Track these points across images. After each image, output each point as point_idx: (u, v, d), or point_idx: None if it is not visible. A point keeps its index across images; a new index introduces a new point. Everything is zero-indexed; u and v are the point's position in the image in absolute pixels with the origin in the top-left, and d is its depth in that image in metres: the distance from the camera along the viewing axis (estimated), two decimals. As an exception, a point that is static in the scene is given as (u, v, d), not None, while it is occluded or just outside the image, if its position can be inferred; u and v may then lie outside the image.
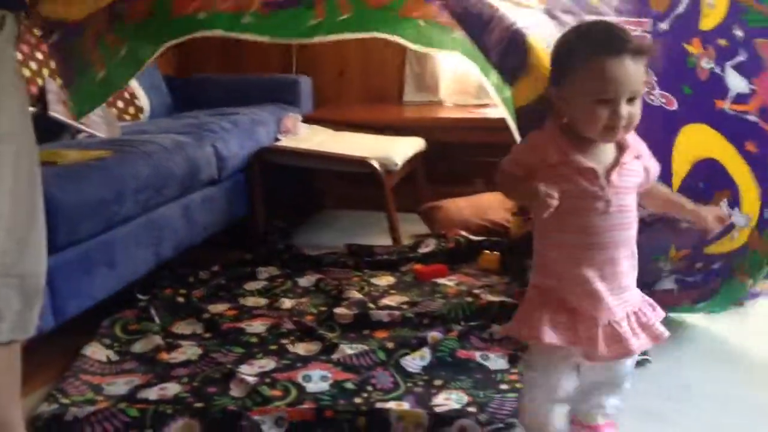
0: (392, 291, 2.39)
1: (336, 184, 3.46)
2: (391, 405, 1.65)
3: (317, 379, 1.79)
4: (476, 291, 2.31)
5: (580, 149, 1.26)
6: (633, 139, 1.29)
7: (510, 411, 1.62)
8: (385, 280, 2.50)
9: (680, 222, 1.77)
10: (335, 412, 1.60)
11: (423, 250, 2.74)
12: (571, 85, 1.23)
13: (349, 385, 1.76)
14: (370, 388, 1.75)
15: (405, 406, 1.65)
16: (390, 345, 1.94)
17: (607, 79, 1.19)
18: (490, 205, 2.87)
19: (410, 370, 1.83)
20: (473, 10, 1.96)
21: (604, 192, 1.24)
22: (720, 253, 1.89)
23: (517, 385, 1.73)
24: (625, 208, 1.27)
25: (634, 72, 1.20)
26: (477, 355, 1.88)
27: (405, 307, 2.22)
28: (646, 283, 1.94)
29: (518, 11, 1.93)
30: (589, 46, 1.21)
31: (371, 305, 2.23)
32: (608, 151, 1.27)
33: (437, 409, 1.63)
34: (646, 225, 2.01)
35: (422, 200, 3.12)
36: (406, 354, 1.88)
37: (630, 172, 1.28)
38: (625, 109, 1.20)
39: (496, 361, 1.86)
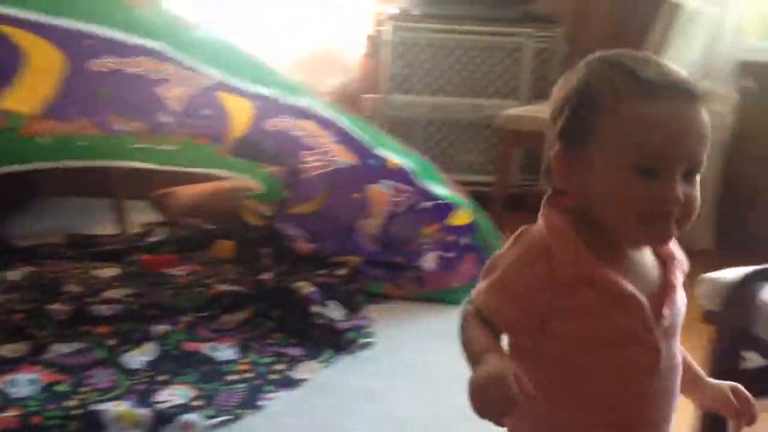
0: (116, 283, 2.23)
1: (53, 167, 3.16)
2: (108, 405, 1.53)
3: (24, 384, 1.62)
4: (207, 281, 2.24)
5: (606, 258, 0.80)
6: (675, 245, 0.85)
7: (237, 402, 1.59)
8: (109, 271, 2.33)
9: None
10: (43, 417, 1.46)
11: (152, 239, 2.60)
12: (593, 146, 0.78)
13: (62, 388, 1.61)
14: (86, 389, 1.62)
15: (124, 405, 1.55)
16: (111, 341, 1.81)
17: (655, 134, 0.76)
18: (224, 192, 2.81)
19: (133, 366, 1.73)
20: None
21: (652, 335, 0.80)
22: (460, 225, 2.19)
23: (246, 375, 1.71)
24: (677, 361, 0.84)
25: (698, 127, 0.78)
26: (205, 347, 1.82)
27: (130, 299, 2.09)
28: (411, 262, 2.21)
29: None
30: (626, 83, 0.78)
31: (91, 299, 2.07)
32: (647, 263, 0.83)
33: (159, 406, 1.54)
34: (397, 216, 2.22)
35: (154, 186, 2.96)
36: (129, 349, 1.77)
37: (681, 299, 0.85)
38: (680, 187, 0.76)
39: (225, 352, 1.81)
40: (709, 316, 1.30)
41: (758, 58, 2.75)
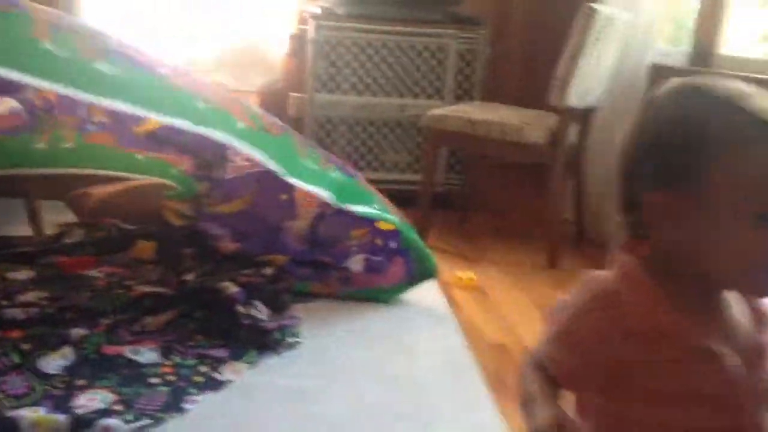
0: (31, 286, 2.15)
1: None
2: (24, 412, 1.47)
3: (-71, 394, 1.54)
4: (128, 282, 2.18)
5: (691, 311, 0.73)
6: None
7: (159, 405, 1.56)
8: (23, 274, 2.24)
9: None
10: (-49, 428, 1.40)
11: (69, 240, 2.51)
12: (699, 189, 0.71)
13: (-27, 396, 1.54)
14: (-1, 395, 1.56)
15: (41, 411, 1.49)
16: (26, 346, 1.74)
17: None
18: (145, 192, 2.74)
19: (49, 371, 1.66)
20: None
21: (740, 398, 0.73)
22: (388, 230, 2.20)
23: (169, 378, 1.68)
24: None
25: None
26: (126, 350, 1.78)
27: (46, 302, 2.02)
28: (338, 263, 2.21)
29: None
30: (741, 124, 0.70)
31: (4, 302, 1.98)
32: (741, 318, 0.76)
33: (78, 411, 1.50)
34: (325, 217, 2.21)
35: (70, 187, 2.87)
36: (45, 354, 1.71)
37: None
38: None
39: (147, 355, 1.77)
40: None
41: (669, 63, 2.86)
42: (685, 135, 0.71)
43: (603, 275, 0.76)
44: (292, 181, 2.09)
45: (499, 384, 1.83)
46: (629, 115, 2.77)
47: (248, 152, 2.06)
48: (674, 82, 0.77)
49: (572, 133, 2.77)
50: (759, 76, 2.39)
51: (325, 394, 1.70)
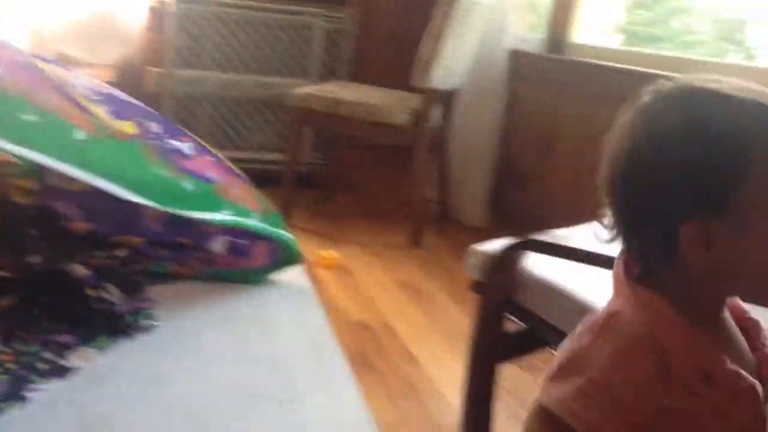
0: None
1: None
2: None
3: None
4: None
5: (712, 341, 0.69)
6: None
7: (-2, 395, 1.46)
8: None
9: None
10: None
11: None
12: (747, 207, 0.63)
13: None
14: None
15: None
16: None
17: None
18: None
19: None
20: None
21: (761, 424, 0.69)
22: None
23: (8, 366, 1.57)
24: None
25: None
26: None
27: None
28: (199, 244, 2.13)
29: None
30: None
31: None
32: (736, 331, 0.73)
33: None
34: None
35: None
36: None
37: None
38: None
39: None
40: (476, 286, 1.38)
41: (526, 49, 2.97)
42: (721, 149, 0.63)
43: (627, 315, 0.66)
44: (130, 197, 1.97)
45: (361, 361, 1.85)
46: (489, 98, 2.86)
47: (80, 176, 1.92)
48: (662, 88, 0.69)
49: (436, 114, 2.83)
50: (608, 63, 2.53)
51: (181, 378, 1.65)
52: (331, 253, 2.49)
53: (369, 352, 1.91)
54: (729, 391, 0.66)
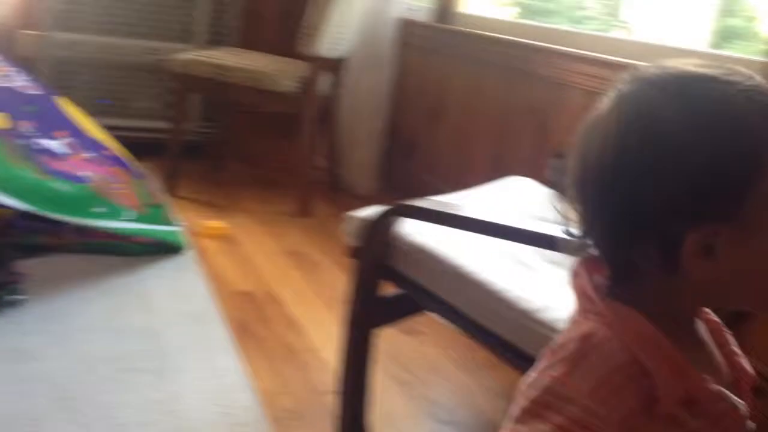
0: None
1: None
2: None
3: None
4: None
5: (692, 358, 0.62)
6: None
7: None
8: None
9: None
10: None
11: None
12: (743, 215, 0.57)
13: None
14: None
15: None
16: None
17: None
18: None
19: None
20: None
21: None
22: None
23: None
24: None
25: None
26: None
27: None
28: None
29: None
30: None
31: None
32: (702, 339, 0.67)
33: None
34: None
35: None
36: None
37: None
38: None
39: None
40: (353, 252, 1.39)
41: (416, 17, 2.98)
42: (732, 150, 0.56)
43: (602, 336, 0.60)
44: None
45: (243, 330, 1.83)
46: (379, 67, 2.85)
47: None
48: (645, 75, 0.61)
49: (325, 82, 2.81)
50: (496, 35, 2.57)
51: (51, 352, 1.59)
52: (216, 223, 2.45)
53: (251, 320, 1.90)
54: (713, 415, 0.61)
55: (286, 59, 2.87)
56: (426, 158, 2.95)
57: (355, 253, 1.38)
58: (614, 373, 0.58)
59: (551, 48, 2.29)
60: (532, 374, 0.62)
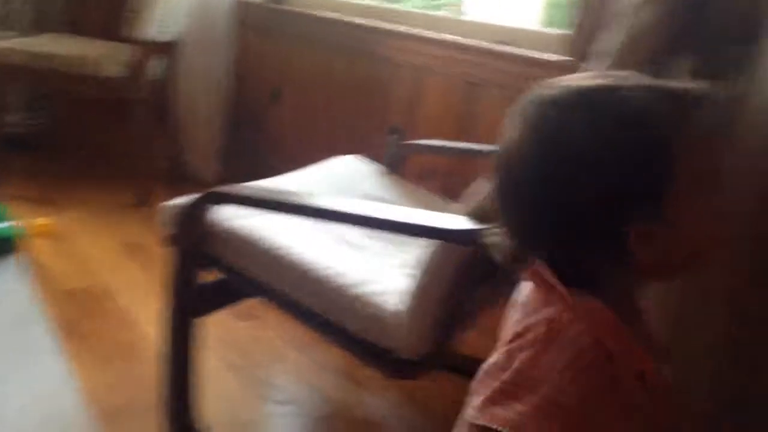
0: None
1: None
2: None
3: None
4: None
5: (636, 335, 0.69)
6: None
7: None
8: None
9: None
10: None
11: None
12: (680, 197, 0.63)
13: None
14: None
15: None
16: None
17: (718, 151, 0.67)
18: None
19: None
20: None
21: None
22: None
23: None
24: None
25: None
26: None
27: None
28: None
29: None
30: (684, 109, 0.64)
31: None
32: (641, 312, 0.73)
33: None
34: None
35: None
36: None
37: None
38: None
39: None
40: (168, 241, 1.36)
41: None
42: (648, 154, 0.62)
43: (565, 320, 0.64)
44: None
45: (72, 330, 1.76)
46: (216, 49, 2.77)
47: None
48: (550, 97, 0.66)
49: (156, 66, 2.71)
50: (327, 14, 2.57)
51: None
52: (43, 220, 2.33)
53: (81, 318, 1.83)
54: (656, 389, 0.67)
55: (113, 43, 2.75)
56: (270, 141, 2.92)
57: (171, 241, 1.36)
58: (581, 355, 0.62)
59: (384, 27, 2.32)
60: (491, 361, 0.65)
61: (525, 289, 0.72)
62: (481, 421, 0.63)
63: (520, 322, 0.67)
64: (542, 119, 0.65)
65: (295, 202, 1.27)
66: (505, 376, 0.63)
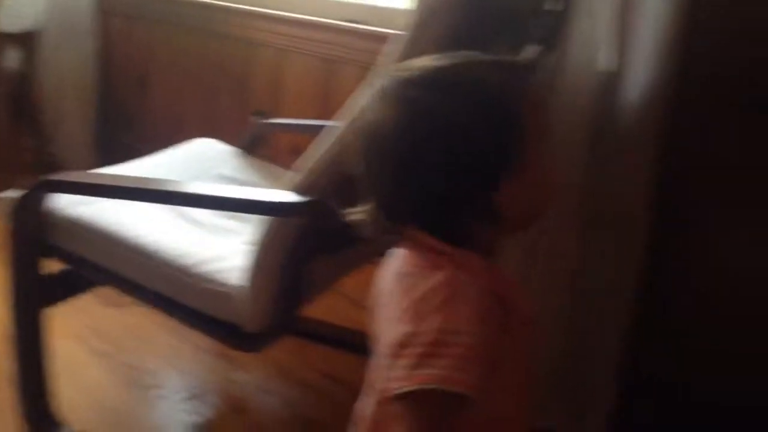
0: None
1: None
2: None
3: None
4: None
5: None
6: None
7: None
8: None
9: None
10: None
11: None
12: (530, 153, 0.73)
13: None
14: None
15: None
16: None
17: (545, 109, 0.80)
18: None
19: None
20: None
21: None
22: None
23: None
24: None
25: None
26: None
27: None
28: None
29: None
30: (520, 78, 0.75)
31: None
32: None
33: None
34: None
35: None
36: None
37: None
38: None
39: None
40: (7, 234, 1.34)
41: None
42: (501, 122, 0.70)
43: (459, 279, 0.70)
44: None
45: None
46: (79, 38, 2.70)
47: None
48: (405, 78, 0.73)
49: (12, 58, 2.62)
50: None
51: None
52: None
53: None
54: (526, 323, 0.77)
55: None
56: (141, 128, 2.88)
57: (9, 234, 1.34)
58: (482, 303, 0.69)
59: (241, 8, 2.34)
60: (400, 329, 0.68)
61: (399, 258, 0.76)
62: (408, 388, 0.66)
63: (412, 290, 0.71)
64: (405, 99, 0.72)
65: (127, 186, 1.28)
66: (425, 339, 0.67)
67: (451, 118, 0.70)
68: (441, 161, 0.71)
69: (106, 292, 1.48)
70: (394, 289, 0.73)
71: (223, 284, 1.21)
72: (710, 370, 1.42)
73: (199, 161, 1.71)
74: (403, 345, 0.68)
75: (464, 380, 0.65)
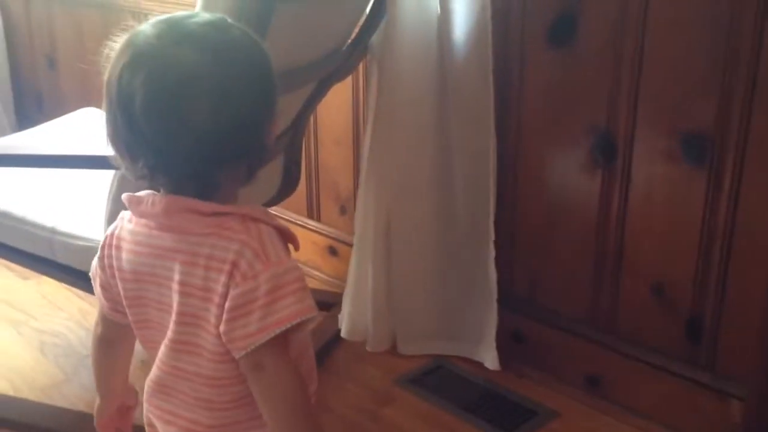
0: None
1: None
2: None
3: None
4: None
5: None
6: None
7: None
8: None
9: None
10: None
11: None
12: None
13: None
14: None
15: None
16: None
17: None
18: None
19: None
20: None
21: None
22: None
23: None
24: None
25: None
26: None
27: None
28: None
29: None
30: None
31: None
32: None
33: None
34: None
35: None
36: None
37: None
38: None
39: None
40: None
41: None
42: (269, 77, 0.78)
43: (258, 228, 0.78)
44: None
45: None
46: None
47: None
48: (153, 32, 0.74)
49: None
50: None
51: None
52: None
53: None
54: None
55: None
56: (54, 108, 2.90)
57: None
58: (280, 240, 0.79)
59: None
60: (248, 284, 0.74)
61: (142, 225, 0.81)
62: (266, 336, 0.74)
63: (222, 249, 0.76)
64: (156, 53, 0.73)
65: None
66: (264, 291, 0.74)
67: (222, 79, 0.73)
68: (210, 119, 0.72)
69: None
70: (164, 258, 0.79)
71: (87, 238, 1.30)
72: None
73: (78, 130, 1.77)
74: (243, 305, 0.75)
75: (313, 306, 0.77)
